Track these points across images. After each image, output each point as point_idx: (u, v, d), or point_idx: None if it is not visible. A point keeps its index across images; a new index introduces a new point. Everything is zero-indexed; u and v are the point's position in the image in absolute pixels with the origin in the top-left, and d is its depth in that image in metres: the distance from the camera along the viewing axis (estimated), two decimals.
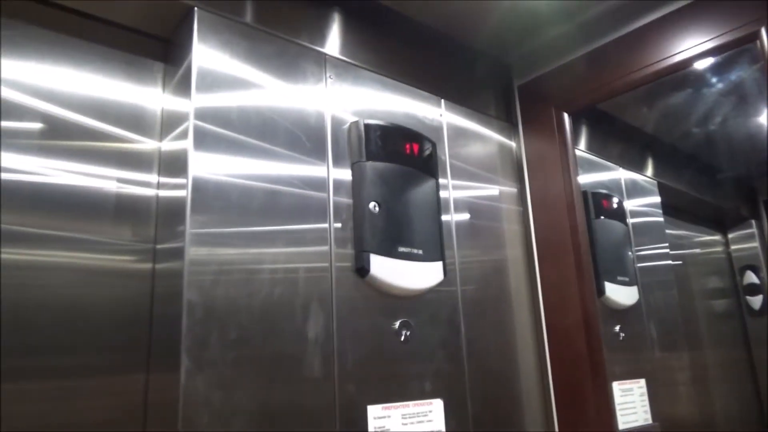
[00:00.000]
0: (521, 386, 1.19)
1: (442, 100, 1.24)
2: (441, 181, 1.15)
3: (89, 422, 0.77)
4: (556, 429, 1.21)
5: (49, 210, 0.80)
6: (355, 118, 1.04)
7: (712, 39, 1.11)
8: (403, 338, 0.98)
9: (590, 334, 1.19)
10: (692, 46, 1.13)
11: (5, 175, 0.77)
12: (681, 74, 1.21)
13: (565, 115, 1.33)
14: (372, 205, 0.98)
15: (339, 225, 0.95)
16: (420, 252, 1.02)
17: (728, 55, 1.16)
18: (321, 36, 1.05)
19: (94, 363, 0.79)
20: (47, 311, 0.76)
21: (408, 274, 1.00)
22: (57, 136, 0.83)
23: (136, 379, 0.82)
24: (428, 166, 1.11)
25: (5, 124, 0.79)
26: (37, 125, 0.82)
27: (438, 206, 1.11)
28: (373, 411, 0.91)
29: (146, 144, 0.92)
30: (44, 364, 0.75)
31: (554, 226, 1.28)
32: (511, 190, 1.35)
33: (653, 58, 1.18)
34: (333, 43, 1.07)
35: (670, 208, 1.79)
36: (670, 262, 1.76)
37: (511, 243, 1.30)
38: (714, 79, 1.49)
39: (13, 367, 0.72)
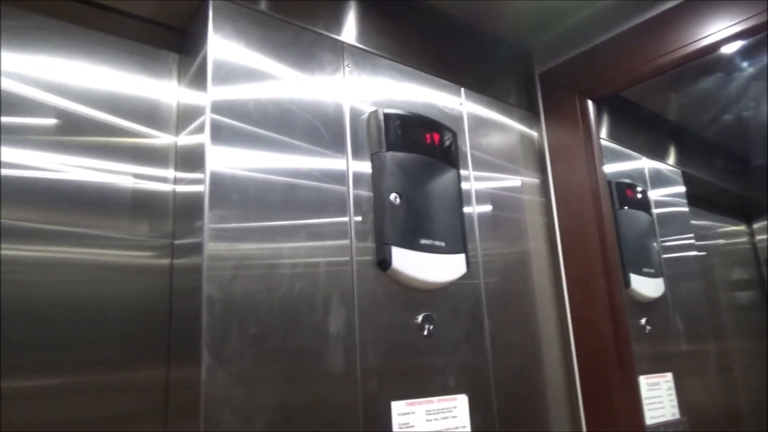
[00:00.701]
0: (546, 381, 1.16)
1: (462, 89, 1.21)
2: (462, 172, 1.12)
3: (111, 418, 0.76)
4: (583, 424, 1.18)
5: (67, 207, 0.78)
6: (373, 108, 1.01)
7: (741, 22, 1.07)
8: (426, 332, 0.96)
9: (618, 327, 1.16)
10: (721, 29, 1.09)
11: (22, 172, 0.76)
12: (707, 59, 1.17)
13: (589, 102, 1.29)
14: (393, 196, 0.95)
15: (359, 218, 0.93)
16: (442, 244, 1.00)
17: (757, 38, 1.11)
18: (337, 23, 1.02)
19: (114, 359, 0.78)
20: (65, 307, 0.75)
21: (430, 267, 0.97)
22: (72, 132, 0.82)
23: (156, 375, 0.80)
24: (449, 157, 1.08)
25: (20, 120, 0.77)
26: (51, 121, 0.80)
27: (460, 197, 1.08)
28: (397, 407, 0.89)
29: (162, 139, 0.90)
30: (64, 359, 0.74)
31: (579, 217, 1.25)
32: (533, 180, 1.32)
33: (681, 41, 1.14)
34: (350, 30, 1.04)
35: (694, 197, 1.75)
36: (695, 253, 1.71)
37: (534, 234, 1.27)
38: (743, 64, 1.44)
39: (34, 363, 0.71)
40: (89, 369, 0.76)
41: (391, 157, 0.98)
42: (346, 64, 1.01)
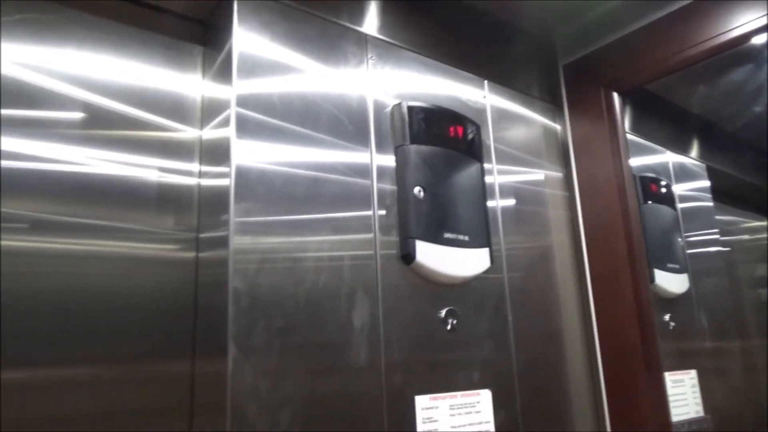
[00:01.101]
0: (570, 377, 1.15)
1: (486, 82, 1.19)
2: (485, 165, 1.11)
3: (137, 408, 0.76)
4: (607, 420, 1.17)
5: (94, 200, 0.79)
6: (397, 101, 1.00)
7: None
8: (449, 327, 0.96)
9: (643, 323, 1.14)
10: (751, 20, 1.07)
11: (52, 166, 0.76)
12: (735, 50, 1.15)
13: (615, 95, 1.27)
14: (417, 189, 0.95)
15: (383, 212, 0.92)
16: (466, 238, 0.99)
17: None
18: (361, 15, 1.02)
19: (140, 351, 0.79)
20: (92, 299, 0.76)
21: (454, 261, 0.97)
22: (99, 126, 0.82)
23: (181, 367, 0.81)
24: (473, 150, 1.07)
25: (48, 114, 0.78)
26: (79, 114, 0.81)
27: (483, 191, 1.07)
28: (421, 401, 0.88)
29: (187, 132, 0.91)
30: (90, 351, 0.75)
31: (604, 212, 1.23)
32: (557, 174, 1.30)
33: (710, 33, 1.12)
34: (374, 22, 1.03)
35: (717, 192, 1.72)
36: (720, 248, 1.69)
37: (557, 229, 1.25)
38: None
39: (60, 355, 0.72)
40: (115, 361, 0.76)
41: (414, 150, 0.97)
42: (369, 56, 1.00)
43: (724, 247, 1.74)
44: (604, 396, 1.18)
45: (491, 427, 0.96)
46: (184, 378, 0.81)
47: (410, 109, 0.99)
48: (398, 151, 0.97)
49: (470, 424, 0.93)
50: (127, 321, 0.78)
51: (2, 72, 0.75)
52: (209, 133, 0.89)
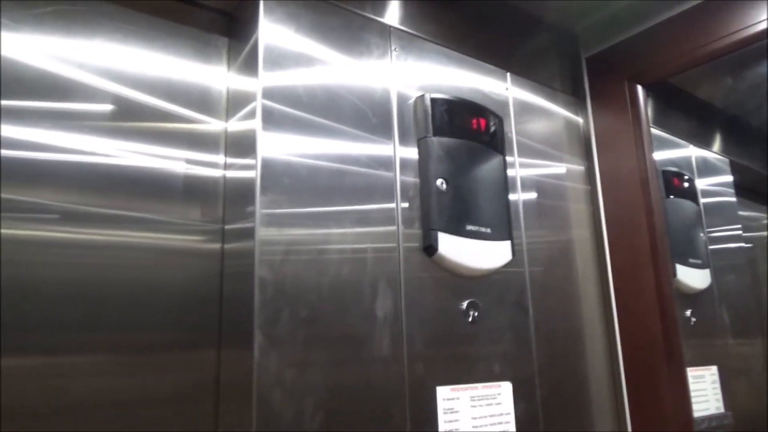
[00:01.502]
0: (590, 371, 1.15)
1: (508, 74, 1.19)
2: (507, 158, 1.11)
3: (163, 396, 0.77)
4: (627, 415, 1.16)
5: (122, 191, 0.80)
6: (419, 93, 1.00)
7: None
8: (470, 319, 0.96)
9: (666, 317, 1.13)
10: None
11: (80, 158, 0.77)
12: (761, 43, 1.13)
13: (639, 88, 1.25)
14: (439, 181, 0.95)
15: (406, 204, 0.93)
16: (488, 231, 0.99)
17: None
18: (384, 7, 1.02)
19: (166, 339, 0.80)
20: (119, 289, 0.77)
21: (476, 253, 0.97)
22: (127, 118, 0.83)
23: (207, 356, 0.82)
24: (495, 142, 1.07)
25: (77, 106, 0.79)
26: (107, 106, 0.82)
27: (505, 183, 1.07)
28: (442, 392, 0.89)
29: (212, 124, 0.91)
30: (117, 339, 0.76)
31: (627, 206, 1.22)
32: (578, 168, 1.30)
33: (737, 25, 1.10)
34: (397, 14, 1.03)
35: (740, 187, 1.69)
36: (743, 244, 1.67)
37: (579, 223, 1.25)
38: None
39: (90, 342, 0.73)
40: (142, 349, 0.77)
41: (437, 142, 0.97)
42: (393, 48, 1.00)
43: (746, 243, 1.72)
44: (625, 391, 1.18)
45: (511, 419, 0.96)
46: (210, 366, 0.82)
47: (433, 101, 0.99)
48: (421, 143, 0.97)
49: (491, 416, 0.94)
50: (154, 311, 0.79)
51: (34, 64, 0.76)
52: (235, 125, 0.90)
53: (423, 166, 0.96)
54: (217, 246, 0.87)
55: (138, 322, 0.78)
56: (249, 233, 0.78)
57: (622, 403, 1.18)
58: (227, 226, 0.88)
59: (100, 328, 0.74)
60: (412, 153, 0.97)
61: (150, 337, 0.78)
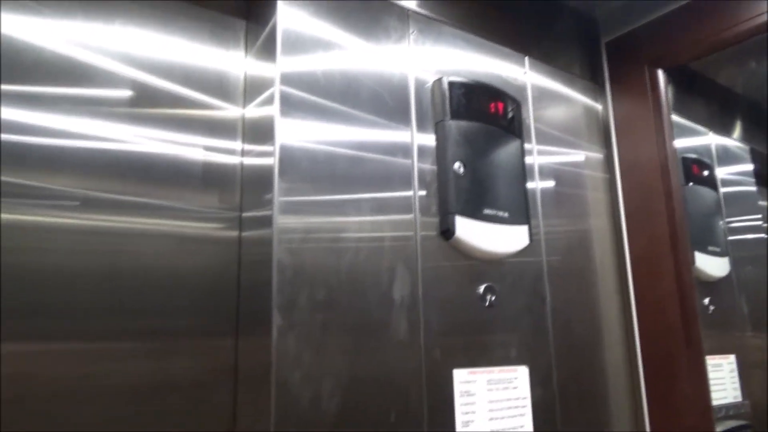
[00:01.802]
0: (607, 359, 1.15)
1: (526, 58, 1.18)
2: (525, 146, 1.10)
3: (181, 382, 0.77)
4: (644, 402, 1.16)
5: (139, 178, 0.79)
6: (437, 77, 1.00)
7: None
8: (487, 303, 0.96)
9: (685, 305, 1.12)
10: None
11: (97, 144, 0.77)
12: None
13: (660, 72, 1.23)
14: (457, 165, 0.95)
15: (424, 192, 0.92)
16: (506, 215, 0.99)
17: None
18: None
19: (184, 325, 0.79)
20: (137, 276, 0.77)
21: (493, 237, 0.97)
22: (144, 103, 0.83)
23: (225, 342, 0.82)
24: (513, 127, 1.06)
25: (94, 91, 0.79)
26: (125, 92, 0.82)
27: (523, 168, 1.06)
28: (459, 375, 0.89)
29: (229, 110, 0.91)
30: (136, 326, 0.76)
31: (646, 193, 1.21)
32: (597, 155, 1.28)
33: (764, 8, 1.08)
34: None
35: (759, 176, 1.67)
36: (763, 235, 1.64)
37: (596, 211, 1.24)
38: None
39: (109, 328, 0.74)
40: (160, 336, 0.77)
41: (455, 125, 0.97)
42: (411, 31, 1.00)
43: (766, 233, 1.70)
44: (642, 379, 1.17)
45: (528, 404, 0.96)
46: (228, 352, 0.82)
47: (451, 84, 0.99)
48: (438, 127, 0.97)
49: (507, 400, 0.94)
50: (171, 298, 0.79)
51: (52, 48, 0.76)
52: (252, 111, 0.90)
53: (440, 150, 0.95)
54: (234, 233, 0.87)
55: (155, 308, 0.77)
56: (267, 220, 0.78)
57: (640, 391, 1.17)
58: (245, 214, 0.87)
59: (117, 313, 0.74)
60: (429, 139, 0.96)
61: (168, 324, 0.78)
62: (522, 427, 0.95)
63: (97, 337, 0.73)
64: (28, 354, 0.68)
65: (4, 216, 0.68)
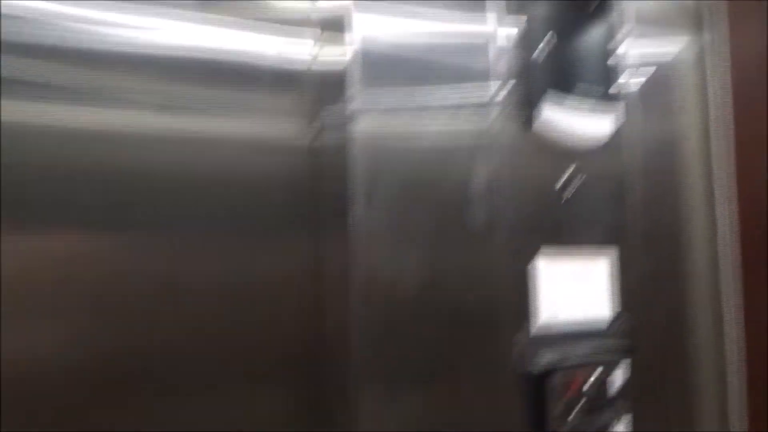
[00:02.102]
0: (694, 254, 1.12)
1: None
2: (617, 30, 1.01)
3: (259, 284, 0.76)
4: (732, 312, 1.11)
5: (210, 82, 0.75)
6: None
7: None
8: (569, 193, 0.92)
9: None
10: None
11: (168, 44, 0.72)
12: None
13: None
14: (541, 46, 0.89)
15: (505, 81, 0.87)
16: (593, 99, 0.93)
17: None
18: None
19: (261, 230, 0.77)
20: (210, 181, 0.74)
21: (578, 123, 0.92)
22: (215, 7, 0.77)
23: (303, 244, 0.79)
24: (604, 6, 0.98)
25: None
26: None
27: (613, 51, 0.99)
28: (538, 265, 0.87)
29: (301, 7, 0.82)
30: (211, 228, 0.74)
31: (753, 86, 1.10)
32: (697, 46, 1.17)
33: None
34: None
35: None
36: None
37: (692, 106, 1.15)
38: None
39: (180, 233, 0.72)
40: (237, 235, 0.76)
41: (540, 5, 0.91)
42: None
43: None
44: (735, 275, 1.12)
45: (608, 296, 0.95)
46: (306, 254, 0.79)
47: None
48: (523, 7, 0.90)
49: (586, 292, 0.92)
50: (246, 202, 0.76)
51: None
52: (325, 5, 0.83)
53: (524, 28, 0.90)
54: (308, 138, 0.84)
55: (230, 212, 0.75)
56: (342, 125, 0.76)
57: (730, 288, 1.13)
58: (319, 118, 0.85)
59: (190, 219, 0.73)
60: (512, 23, 0.90)
61: (244, 227, 0.76)
62: (603, 315, 0.94)
63: (178, 238, 0.71)
64: (130, 254, 0.68)
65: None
